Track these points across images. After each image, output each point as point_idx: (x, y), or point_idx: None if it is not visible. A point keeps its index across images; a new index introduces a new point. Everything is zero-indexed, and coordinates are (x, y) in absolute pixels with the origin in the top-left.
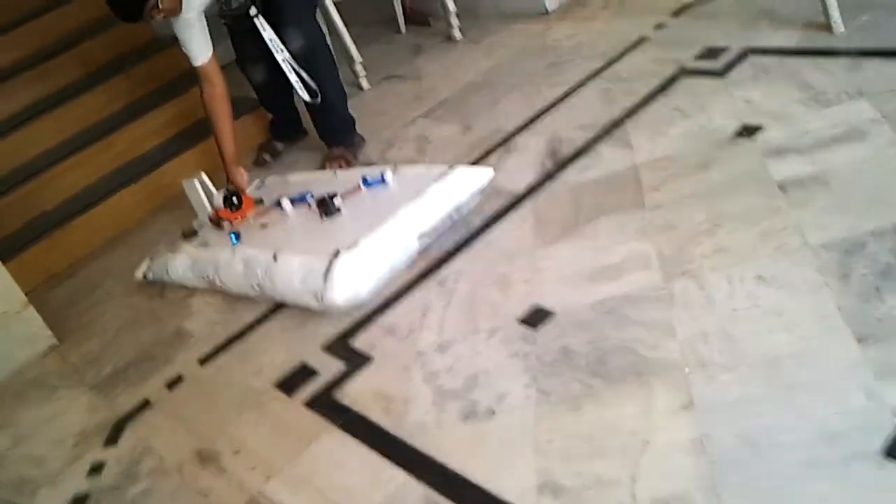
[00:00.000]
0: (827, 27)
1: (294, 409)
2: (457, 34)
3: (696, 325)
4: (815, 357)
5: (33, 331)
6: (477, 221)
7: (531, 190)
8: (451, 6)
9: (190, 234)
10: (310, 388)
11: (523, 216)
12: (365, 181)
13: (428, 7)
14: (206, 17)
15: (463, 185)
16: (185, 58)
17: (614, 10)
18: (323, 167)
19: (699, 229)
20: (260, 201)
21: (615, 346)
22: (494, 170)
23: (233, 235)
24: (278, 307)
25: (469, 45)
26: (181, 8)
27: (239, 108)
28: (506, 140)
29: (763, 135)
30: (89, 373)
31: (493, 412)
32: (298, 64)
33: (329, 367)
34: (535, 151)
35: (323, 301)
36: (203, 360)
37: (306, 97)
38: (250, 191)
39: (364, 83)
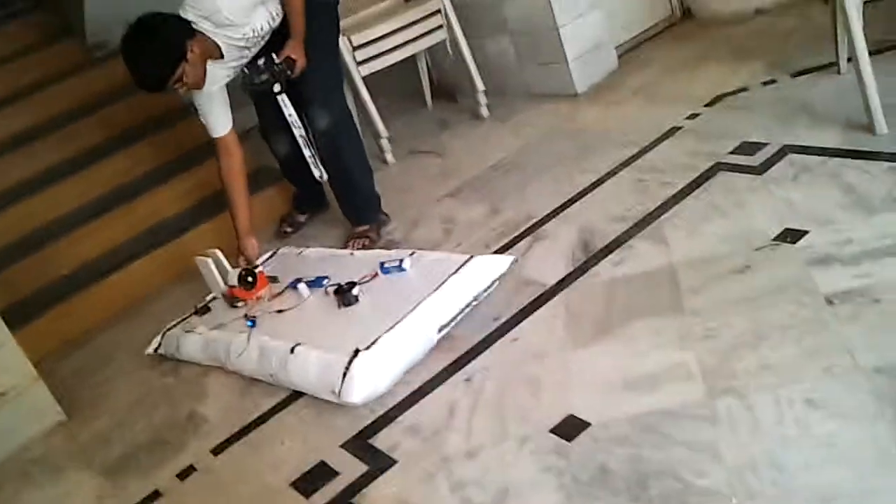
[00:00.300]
0: (869, 128)
1: None
2: (484, 111)
3: (744, 451)
4: (875, 499)
5: (41, 406)
6: (505, 314)
7: (561, 283)
8: (480, 84)
9: (203, 311)
10: (328, 491)
11: (554, 311)
12: (383, 267)
13: (455, 83)
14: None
15: (482, 274)
16: (204, 127)
17: (645, 96)
18: (346, 245)
19: (741, 340)
20: (274, 279)
21: (657, 470)
22: (522, 259)
23: (249, 321)
24: (296, 395)
25: (496, 122)
26: (204, 82)
27: (262, 179)
28: (535, 227)
29: (806, 240)
30: (98, 454)
31: None
32: (324, 141)
33: (349, 467)
34: (566, 241)
35: (340, 397)
36: (217, 450)
37: (318, 175)
38: (263, 264)
39: (389, 157)
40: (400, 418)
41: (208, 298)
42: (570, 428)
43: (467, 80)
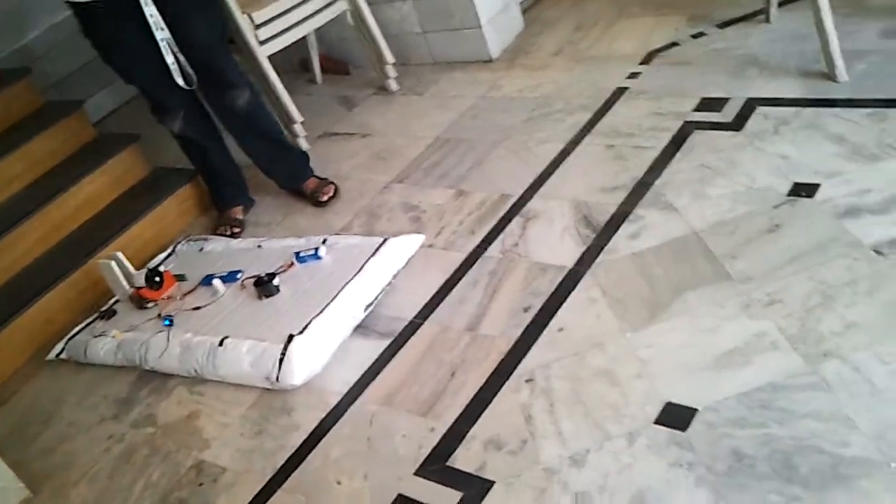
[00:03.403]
0: (828, 76)
1: None
2: (393, 85)
3: (875, 413)
4: None
5: (1, 486)
6: (534, 303)
7: (580, 263)
8: (388, 56)
9: (108, 315)
10: None
11: (589, 294)
12: (298, 257)
13: (345, 56)
14: None
15: (399, 254)
16: None
17: (568, 57)
18: (317, 202)
19: (811, 302)
20: (182, 277)
21: (795, 446)
22: (522, 242)
23: (166, 320)
24: (325, 428)
25: (411, 96)
26: None
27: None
28: (517, 206)
29: (822, 194)
30: None
31: None
32: (247, 115)
33: (440, 497)
34: (563, 218)
35: (278, 383)
36: (259, 502)
37: (181, 82)
38: (163, 262)
39: (303, 143)
40: (471, 433)
41: (112, 301)
42: (676, 417)
43: (365, 52)
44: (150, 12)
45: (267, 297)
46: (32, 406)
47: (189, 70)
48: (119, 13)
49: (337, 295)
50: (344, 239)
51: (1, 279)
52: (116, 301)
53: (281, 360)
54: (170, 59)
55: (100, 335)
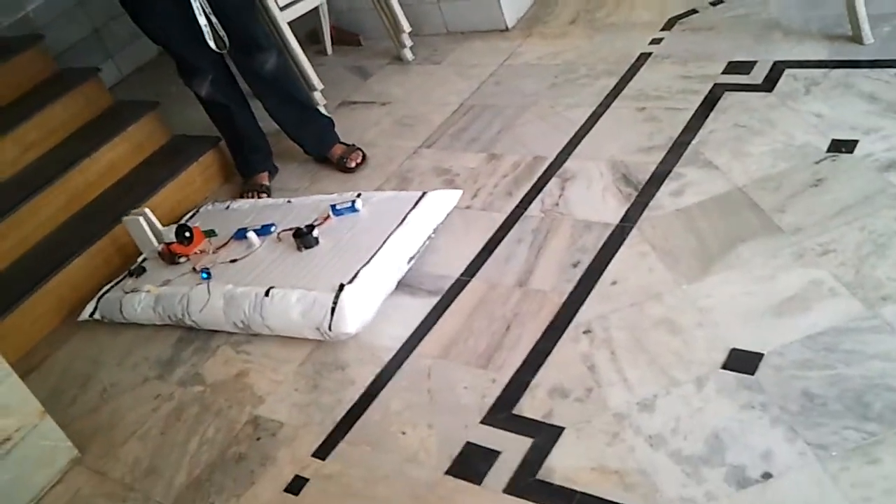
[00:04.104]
0: (853, 39)
1: (495, 499)
2: (408, 54)
3: None
4: None
5: (52, 445)
6: (583, 258)
7: (626, 219)
8: (405, 24)
9: (137, 272)
10: (501, 471)
11: (639, 249)
12: (335, 209)
13: (355, 26)
14: None
15: (439, 207)
16: None
17: (587, 25)
18: (344, 167)
19: (864, 251)
20: (212, 233)
21: (865, 385)
22: (563, 202)
23: (204, 273)
24: (382, 382)
25: (427, 65)
26: None
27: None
28: (553, 168)
29: (861, 149)
30: (155, 487)
31: (770, 475)
32: (275, 80)
33: (509, 443)
34: (602, 178)
35: (331, 332)
36: (320, 454)
37: (215, 46)
38: (188, 221)
39: (323, 111)
40: (534, 383)
41: (140, 259)
42: (742, 362)
43: (380, 21)
44: None
45: (306, 248)
46: (68, 369)
47: (221, 33)
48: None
49: (382, 246)
50: (379, 194)
51: (25, 246)
52: (144, 259)
53: (333, 309)
54: (203, 21)
55: (132, 291)
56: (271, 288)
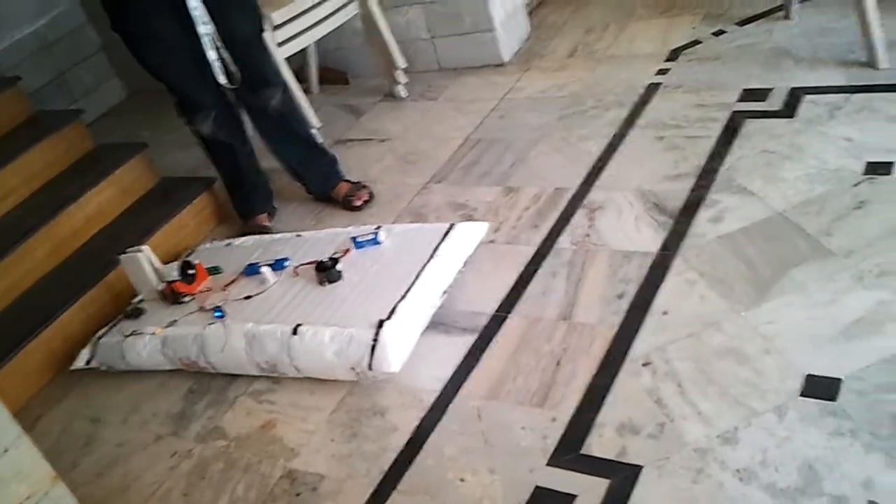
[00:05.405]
0: (868, 64)
1: None
2: (402, 91)
3: None
4: None
5: None
6: (626, 290)
7: (666, 248)
8: (400, 60)
9: (134, 314)
10: None
11: (685, 277)
12: (356, 242)
13: (342, 64)
14: None
15: (468, 239)
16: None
17: (587, 57)
18: (351, 206)
19: None
20: (216, 270)
21: None
22: (592, 232)
23: (217, 312)
24: (427, 428)
25: (423, 102)
26: None
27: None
28: (577, 199)
29: None
30: None
31: None
32: (280, 115)
33: (583, 486)
34: (632, 207)
35: (371, 371)
36: None
37: (224, 81)
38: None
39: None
40: (598, 420)
41: (136, 300)
42: (821, 388)
43: (367, 60)
44: (194, 5)
45: (330, 282)
46: (66, 430)
47: (233, 67)
48: (155, 5)
49: (417, 279)
50: (401, 226)
51: (8, 298)
52: (141, 300)
53: (373, 347)
54: (213, 55)
55: (132, 335)
56: (299, 325)
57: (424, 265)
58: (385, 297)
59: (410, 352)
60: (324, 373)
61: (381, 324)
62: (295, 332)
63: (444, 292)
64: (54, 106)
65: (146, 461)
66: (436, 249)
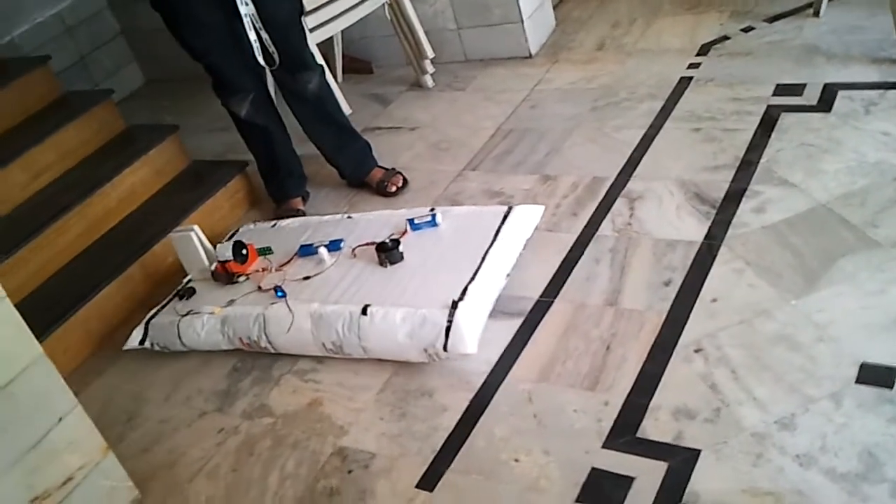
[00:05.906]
0: None
1: None
2: (429, 81)
3: None
4: None
5: (113, 485)
6: (673, 277)
7: (709, 237)
8: (428, 50)
9: (186, 294)
10: (639, 498)
11: (733, 266)
12: (413, 224)
13: (366, 53)
14: None
15: (526, 222)
16: None
17: (616, 51)
18: (385, 192)
19: None
20: (267, 250)
21: None
22: (635, 221)
23: (279, 291)
24: (482, 405)
25: (451, 91)
26: None
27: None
28: (616, 188)
29: None
30: None
31: None
32: (317, 100)
33: (640, 468)
34: (673, 197)
35: (446, 352)
36: (424, 484)
37: (264, 62)
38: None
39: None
40: (653, 404)
41: (185, 280)
42: (877, 375)
43: (391, 49)
44: None
45: (392, 263)
46: (107, 406)
47: (271, 49)
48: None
49: (483, 261)
50: (457, 208)
51: (43, 276)
52: (190, 279)
53: (447, 329)
54: (253, 36)
55: (188, 314)
56: (367, 306)
57: (489, 247)
58: (453, 279)
59: (481, 333)
60: (394, 354)
61: (454, 304)
62: (364, 312)
63: (508, 274)
64: (77, 88)
65: (191, 437)
66: (498, 231)
